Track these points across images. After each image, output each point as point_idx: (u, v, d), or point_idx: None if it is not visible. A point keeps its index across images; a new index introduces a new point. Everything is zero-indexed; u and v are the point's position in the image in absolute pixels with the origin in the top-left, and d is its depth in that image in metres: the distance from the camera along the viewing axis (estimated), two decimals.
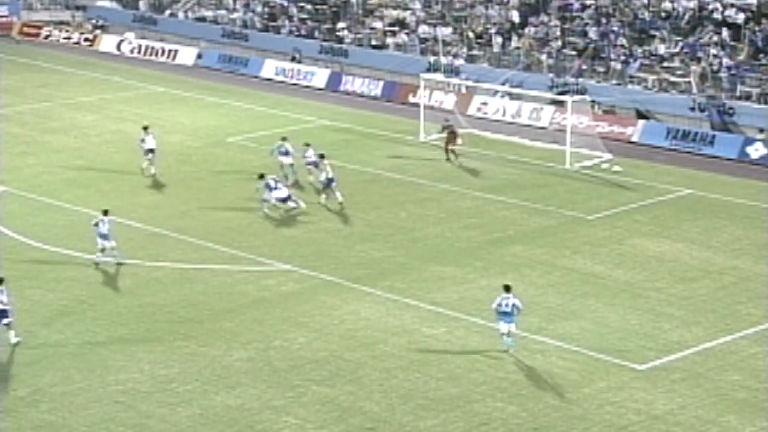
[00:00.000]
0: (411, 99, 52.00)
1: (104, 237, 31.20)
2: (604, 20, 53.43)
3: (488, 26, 56.42)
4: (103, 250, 31.28)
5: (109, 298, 29.40)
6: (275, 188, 35.82)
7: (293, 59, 58.82)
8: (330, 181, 37.06)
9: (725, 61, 48.46)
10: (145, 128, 40.34)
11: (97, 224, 31.35)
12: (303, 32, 61.35)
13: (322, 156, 37.81)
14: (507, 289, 26.63)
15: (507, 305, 26.31)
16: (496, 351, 26.53)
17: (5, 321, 26.26)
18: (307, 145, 39.52)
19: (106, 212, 31.68)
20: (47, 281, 30.03)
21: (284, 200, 35.94)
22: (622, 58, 51.01)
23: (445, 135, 43.11)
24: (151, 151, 39.78)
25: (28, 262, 31.62)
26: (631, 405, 24.14)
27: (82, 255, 31.99)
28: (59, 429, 22.87)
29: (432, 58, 54.70)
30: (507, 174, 41.89)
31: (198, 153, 43.82)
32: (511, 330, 26.33)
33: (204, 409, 23.74)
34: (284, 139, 39.92)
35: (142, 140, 39.92)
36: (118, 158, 42.53)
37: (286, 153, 39.32)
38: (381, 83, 54.82)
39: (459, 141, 42.90)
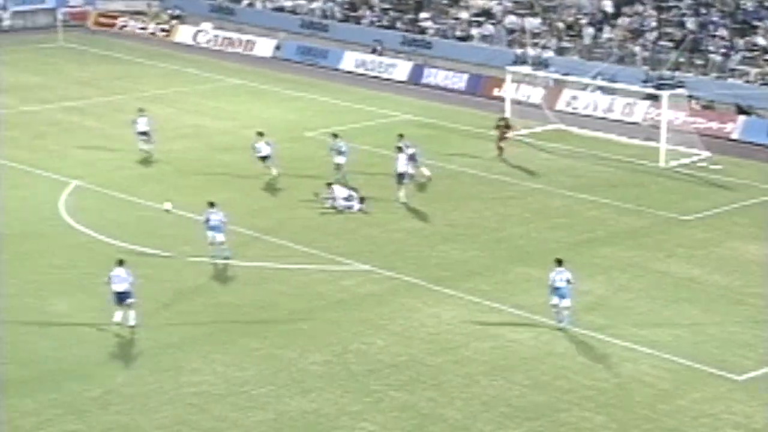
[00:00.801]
0: (496, 93, 51.80)
1: (214, 228, 31.64)
2: (703, 10, 52.69)
3: (579, 16, 55.99)
4: (212, 244, 31.73)
5: (183, 297, 29.80)
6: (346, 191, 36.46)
7: (374, 51, 58.98)
8: (402, 176, 37.07)
9: None
10: (260, 134, 40.20)
11: (208, 219, 31.76)
12: (384, 23, 61.49)
13: (400, 149, 37.83)
14: (559, 262, 27.80)
15: (561, 280, 27.48)
16: (584, 357, 26.33)
17: (128, 301, 27.45)
18: (401, 136, 39.42)
19: (212, 204, 32.13)
20: None
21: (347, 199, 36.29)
22: (722, 50, 50.28)
23: (497, 132, 42.72)
24: (267, 158, 39.62)
25: (101, 260, 32.17)
26: (729, 418, 23.78)
27: (157, 252, 32.47)
28: (131, 431, 23.25)
29: (519, 50, 54.44)
30: (597, 172, 41.53)
31: (276, 148, 44.16)
32: (565, 305, 27.42)
33: (278, 413, 23.95)
34: (335, 135, 39.72)
35: (253, 147, 39.89)
36: (194, 153, 43.07)
37: (340, 152, 39.04)
38: (465, 76, 54.69)
39: (511, 134, 42.74)
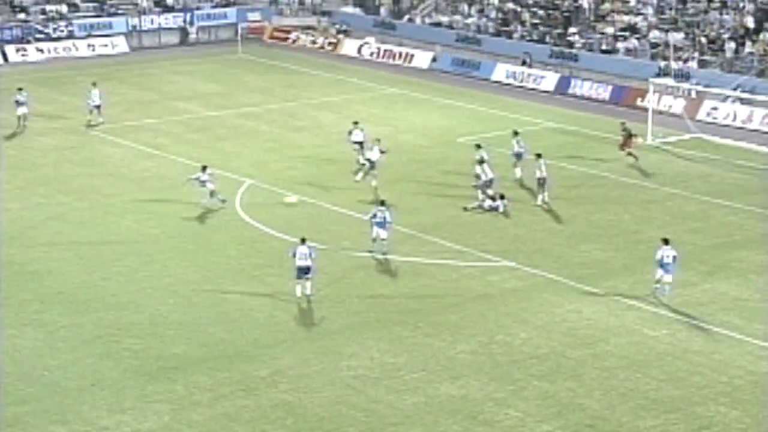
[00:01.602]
0: (639, 103, 50.82)
1: (380, 225, 32.03)
2: None
3: (721, 31, 54.44)
4: (375, 239, 32.14)
5: (342, 288, 30.17)
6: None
7: (524, 63, 58.56)
8: (542, 181, 36.87)
9: None
10: (356, 123, 41.64)
11: (374, 215, 32.19)
12: (534, 37, 61.00)
13: (539, 155, 37.43)
14: (666, 241, 28.62)
15: (668, 257, 28.27)
16: (720, 355, 25.60)
17: (308, 275, 29.00)
18: (516, 133, 39.68)
19: (382, 203, 32.55)
20: (287, 269, 31.06)
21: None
22: None
23: (621, 137, 41.84)
24: (360, 143, 40.76)
25: (271, 252, 32.83)
26: None
27: (322, 247, 32.97)
28: (295, 408, 23.68)
29: (662, 63, 53.27)
30: (735, 179, 40.31)
31: (429, 152, 44.32)
32: (668, 280, 28.30)
33: (429, 397, 24.03)
34: (479, 146, 38.82)
35: (350, 133, 41.16)
36: (354, 156, 43.54)
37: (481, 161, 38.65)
38: (609, 87, 53.83)
39: (638, 140, 41.80)
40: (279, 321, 28.08)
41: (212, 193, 36.40)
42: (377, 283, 30.62)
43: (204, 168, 36.75)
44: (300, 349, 26.47)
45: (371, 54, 65.23)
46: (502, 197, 36.66)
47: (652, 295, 28.90)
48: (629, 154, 41.75)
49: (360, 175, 38.75)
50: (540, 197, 36.96)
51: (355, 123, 42.19)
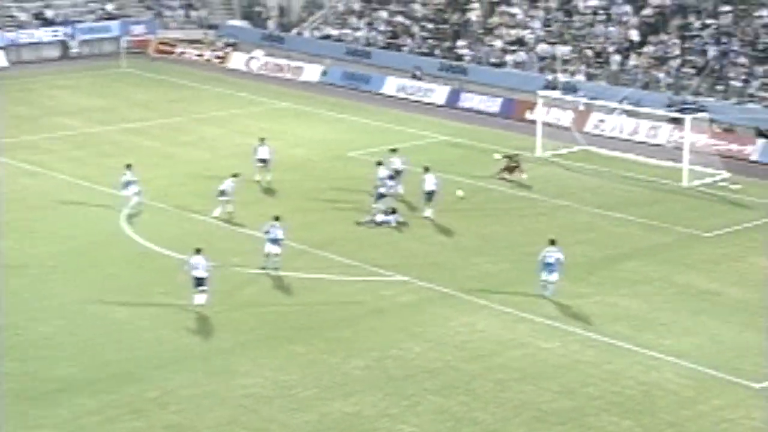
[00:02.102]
0: (528, 116, 51.69)
1: (275, 242, 31.84)
2: (724, 39, 52.33)
3: (607, 45, 55.81)
4: (267, 255, 31.93)
5: (234, 305, 29.93)
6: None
7: (414, 76, 59.09)
8: (430, 194, 37.17)
9: None
10: (262, 139, 41.53)
11: (268, 231, 31.99)
12: (424, 50, 61.62)
13: (427, 169, 37.79)
14: (552, 242, 30.13)
15: (550, 257, 29.67)
16: (611, 366, 26.17)
17: (203, 288, 29.08)
18: (393, 151, 40.10)
19: (276, 218, 32.38)
20: (176, 287, 30.69)
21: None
22: (742, 77, 49.93)
23: (504, 164, 41.69)
24: (264, 161, 40.75)
25: (158, 269, 32.39)
26: (748, 423, 23.57)
27: (212, 264, 32.62)
28: (186, 430, 23.37)
29: (550, 76, 54.34)
30: (622, 190, 41.33)
31: (320, 166, 44.34)
32: (553, 279, 29.76)
33: (322, 415, 23.98)
34: (394, 150, 40.12)
35: (255, 150, 41.27)
36: (244, 170, 43.26)
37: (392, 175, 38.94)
38: (499, 100, 54.67)
39: (523, 176, 41.40)
40: (168, 340, 27.70)
41: (138, 193, 36.68)
42: (270, 300, 30.47)
43: (128, 166, 37.40)
44: (191, 368, 26.15)
45: (260, 68, 65.00)
46: (393, 211, 36.91)
47: (540, 295, 29.89)
48: (502, 178, 41.67)
49: (218, 210, 37.05)
50: (428, 211, 37.27)
51: (262, 139, 41.85)
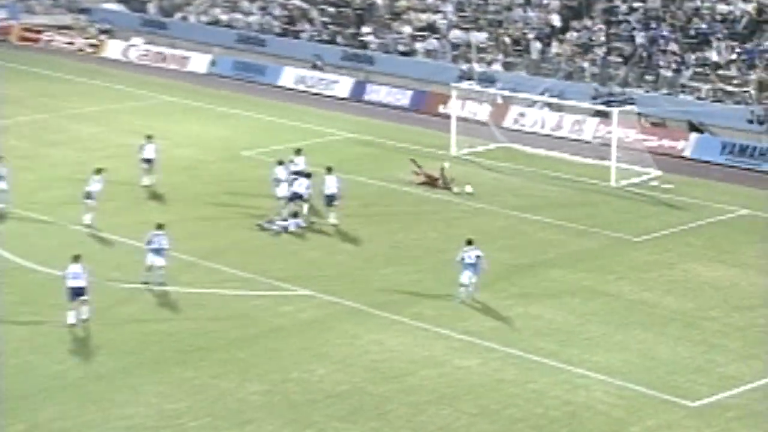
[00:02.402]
0: (441, 110, 52.08)
1: (157, 252, 31.48)
2: (653, 24, 53.38)
3: (526, 31, 56.49)
4: (150, 268, 31.50)
5: (113, 325, 29.52)
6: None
7: (314, 67, 59.10)
8: (331, 198, 37.29)
9: None
10: (149, 137, 41.40)
11: (150, 241, 31.61)
12: (324, 37, 61.64)
13: (329, 169, 37.80)
14: (470, 242, 31.09)
15: (470, 257, 30.72)
16: (535, 385, 26.45)
17: (82, 298, 28.96)
18: (298, 151, 39.98)
19: (160, 226, 32.05)
20: (45, 306, 30.14)
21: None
22: (673, 65, 50.93)
23: (422, 178, 41.49)
24: (149, 161, 40.43)
25: (27, 286, 31.80)
26: None
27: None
28: None
29: (465, 66, 54.81)
30: (545, 191, 41.85)
31: (210, 168, 44.04)
32: (473, 281, 30.74)
33: None
34: (298, 151, 40.09)
35: (141, 148, 41.05)
36: (122, 174, 42.75)
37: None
38: (409, 93, 54.96)
39: (416, 178, 41.29)
40: (37, 366, 27.20)
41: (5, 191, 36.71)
42: (153, 318, 30.13)
43: None
44: (63, 398, 25.72)
45: (139, 57, 64.33)
46: (295, 215, 36.81)
47: (456, 298, 30.71)
48: (422, 183, 41.47)
49: (89, 216, 36.67)
50: (332, 216, 37.27)
51: (149, 137, 41.40)
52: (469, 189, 40.64)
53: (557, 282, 32.91)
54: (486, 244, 35.75)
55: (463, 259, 30.80)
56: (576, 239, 36.56)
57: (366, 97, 56.02)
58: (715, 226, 38.09)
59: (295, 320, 30.07)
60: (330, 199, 37.29)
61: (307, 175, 37.92)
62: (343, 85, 57.10)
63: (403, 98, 54.93)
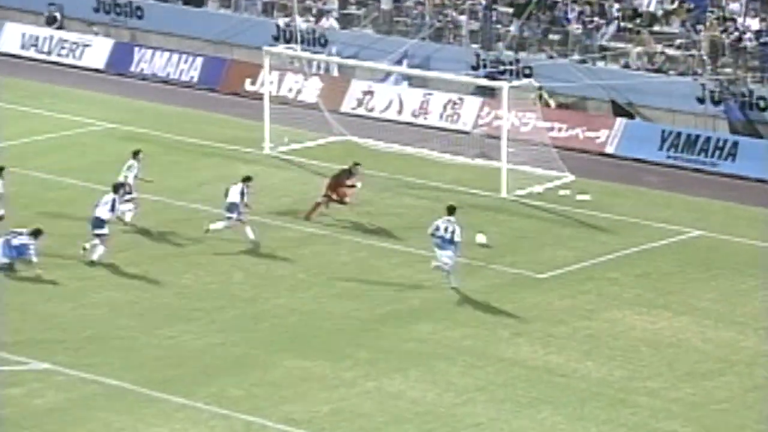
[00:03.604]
0: (249, 87, 52.00)
1: None
2: None
3: None
4: None
5: None
6: None
7: (52, 22, 58.43)
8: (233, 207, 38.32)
9: (752, 23, 49.27)
10: None
11: None
12: None
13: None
14: (451, 210, 35.61)
15: (446, 229, 35.10)
16: None
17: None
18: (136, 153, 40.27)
19: None
20: None
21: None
22: (587, 19, 51.56)
23: (330, 182, 41.06)
24: None
25: None
26: None
27: None
28: None
29: (282, 20, 54.78)
30: (405, 208, 42.04)
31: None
32: (446, 260, 35.12)
33: None
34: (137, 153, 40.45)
35: None
36: None
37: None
38: (199, 61, 54.79)
39: (350, 191, 40.82)
40: None
41: None
42: None
43: None
44: None
45: None
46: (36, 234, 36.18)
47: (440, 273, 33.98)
48: (318, 205, 40.83)
49: None
50: (95, 251, 36.99)
51: None
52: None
53: (427, 342, 33.00)
54: (320, 287, 35.80)
55: (437, 229, 35.24)
56: (453, 277, 36.73)
57: (133, 69, 55.69)
58: (653, 256, 38.76)
59: (28, 409, 29.54)
60: (97, 223, 36.98)
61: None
62: (97, 50, 56.78)
63: (191, 69, 54.72)
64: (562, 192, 43.33)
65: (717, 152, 46.26)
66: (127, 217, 39.52)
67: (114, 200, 37.26)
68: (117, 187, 38.12)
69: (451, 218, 35.47)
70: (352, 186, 40.45)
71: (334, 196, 40.45)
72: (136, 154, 40.27)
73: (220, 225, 38.50)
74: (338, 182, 40.62)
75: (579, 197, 42.90)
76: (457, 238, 35.26)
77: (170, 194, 41.91)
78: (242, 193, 38.59)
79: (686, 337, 33.60)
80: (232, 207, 38.43)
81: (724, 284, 36.79)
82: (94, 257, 37.05)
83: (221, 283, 36.25)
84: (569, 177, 44.05)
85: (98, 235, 37.04)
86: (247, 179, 39.03)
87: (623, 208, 42.30)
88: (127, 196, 39.00)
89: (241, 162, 44.93)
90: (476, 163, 45.20)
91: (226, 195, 38.65)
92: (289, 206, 41.61)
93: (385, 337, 33.24)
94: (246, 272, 36.91)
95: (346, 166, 41.11)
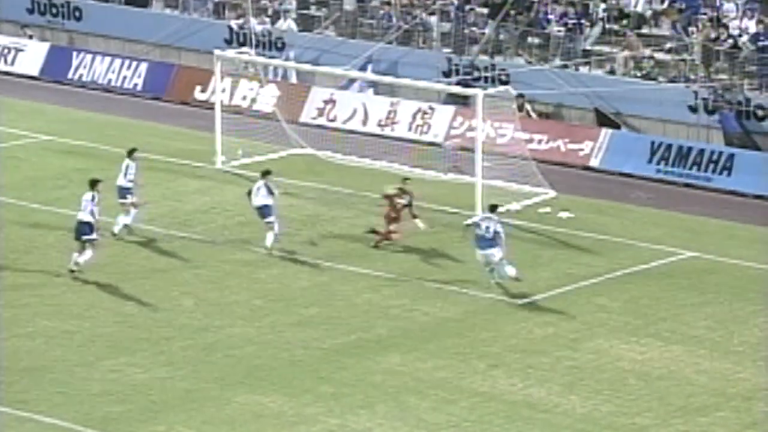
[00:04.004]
0: (199, 95, 52.09)
1: None
2: None
3: None
4: None
5: None
6: None
7: None
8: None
9: (749, 25, 49.54)
10: None
11: None
12: None
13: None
14: (493, 208, 37.17)
15: (488, 229, 36.30)
16: None
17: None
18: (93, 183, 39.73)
19: None
20: None
21: None
22: (570, 20, 51.75)
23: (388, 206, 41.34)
24: None
25: None
26: None
27: None
28: None
29: (235, 22, 54.87)
30: (371, 227, 42.07)
31: None
32: (495, 259, 36.47)
33: None
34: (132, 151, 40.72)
35: None
36: None
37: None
38: (143, 67, 54.86)
39: (420, 225, 40.91)
40: None
41: None
42: None
43: None
44: None
45: None
46: None
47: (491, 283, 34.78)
48: (385, 235, 40.85)
49: None
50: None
51: None
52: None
53: (394, 374, 33.08)
54: (279, 314, 35.85)
55: (478, 226, 36.97)
56: (424, 304, 36.84)
57: (71, 75, 55.73)
58: (642, 279, 38.94)
59: None
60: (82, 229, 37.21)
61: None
62: (31, 55, 56.88)
63: (135, 76, 54.81)
64: (542, 209, 43.52)
65: (711, 166, 46.50)
66: (116, 229, 40.11)
67: (93, 196, 37.66)
68: (93, 183, 38.40)
69: (493, 216, 36.82)
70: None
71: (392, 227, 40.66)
72: (131, 153, 40.42)
73: (270, 238, 39.36)
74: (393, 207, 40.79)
75: (561, 215, 43.09)
76: (499, 238, 36.50)
77: (112, 214, 41.87)
78: (270, 191, 39.39)
79: (679, 368, 33.75)
80: (265, 210, 39.16)
81: (720, 310, 36.96)
82: (80, 260, 37.14)
83: (169, 310, 36.26)
84: (550, 193, 44.23)
85: (86, 242, 37.07)
86: (266, 173, 39.75)
87: (609, 227, 42.48)
88: (124, 201, 39.24)
89: (190, 177, 45.04)
90: (448, 178, 45.30)
91: (249, 195, 39.46)
92: (243, 226, 41.62)
93: (349, 369, 33.29)
94: (196, 299, 36.95)
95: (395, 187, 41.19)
